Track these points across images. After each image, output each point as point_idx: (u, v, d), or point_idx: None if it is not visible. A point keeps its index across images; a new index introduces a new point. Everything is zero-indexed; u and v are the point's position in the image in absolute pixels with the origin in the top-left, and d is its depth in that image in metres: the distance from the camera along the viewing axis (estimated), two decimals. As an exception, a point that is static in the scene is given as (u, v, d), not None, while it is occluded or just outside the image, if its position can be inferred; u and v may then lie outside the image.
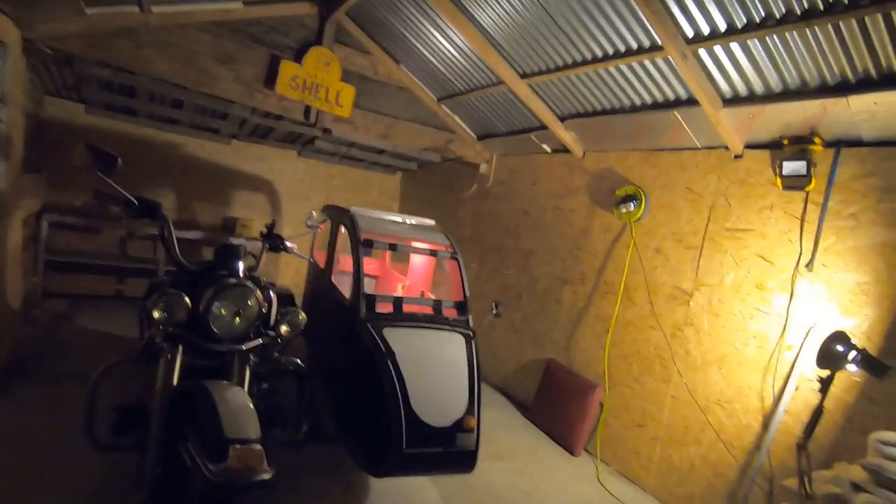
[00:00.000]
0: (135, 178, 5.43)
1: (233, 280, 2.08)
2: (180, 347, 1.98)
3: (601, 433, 3.81)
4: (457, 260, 3.19)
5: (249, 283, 2.12)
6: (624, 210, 3.72)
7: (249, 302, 2.09)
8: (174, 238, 2.18)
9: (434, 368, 2.58)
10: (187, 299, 1.93)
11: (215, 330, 2.01)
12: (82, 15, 3.36)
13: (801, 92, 2.66)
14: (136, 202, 2.06)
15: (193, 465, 1.66)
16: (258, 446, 1.70)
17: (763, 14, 2.43)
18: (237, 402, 1.84)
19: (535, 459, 3.66)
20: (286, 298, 3.71)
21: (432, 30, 4.10)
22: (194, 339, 1.98)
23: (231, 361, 2.13)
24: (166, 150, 5.67)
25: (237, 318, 2.06)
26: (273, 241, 2.66)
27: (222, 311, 2.02)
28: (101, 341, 4.16)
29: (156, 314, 1.87)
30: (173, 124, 5.52)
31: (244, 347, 2.09)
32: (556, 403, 4.07)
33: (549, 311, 4.51)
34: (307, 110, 4.58)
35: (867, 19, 2.13)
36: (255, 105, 4.40)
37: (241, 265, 2.25)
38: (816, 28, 2.29)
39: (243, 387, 2.09)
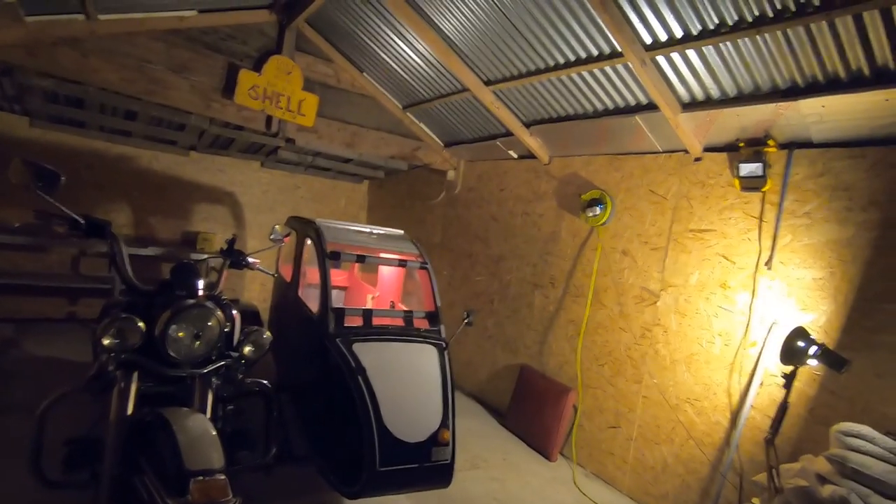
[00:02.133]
0: (86, 193, 5.21)
1: (191, 300, 1.97)
2: (135, 374, 1.86)
3: (576, 436, 3.83)
4: (427, 270, 3.15)
5: (209, 303, 2.01)
6: (590, 214, 3.76)
7: (210, 323, 1.99)
8: (125, 258, 2.06)
9: (406, 382, 2.52)
10: (141, 323, 1.81)
11: (173, 354, 1.89)
12: (20, 22, 3.17)
13: (755, 96, 2.75)
14: (82, 221, 1.93)
15: (151, 501, 1.56)
16: (222, 476, 1.61)
17: (716, 21, 2.50)
18: (198, 430, 1.73)
19: (512, 466, 3.64)
20: (251, 316, 3.59)
21: (394, 37, 4.06)
22: (150, 366, 1.87)
23: (192, 386, 2.02)
24: (119, 163, 5.42)
25: (197, 341, 1.95)
26: (234, 256, 2.55)
27: (180, 333, 1.91)
28: (51, 369, 3.91)
29: (106, 341, 1.75)
30: (126, 136, 5.28)
31: (205, 371, 1.99)
32: (531, 408, 4.06)
33: (520, 315, 4.51)
34: (269, 120, 4.47)
35: (813, 26, 2.22)
36: (213, 115, 4.26)
37: (200, 283, 2.14)
38: (766, 35, 2.37)
39: (205, 412, 1.99)
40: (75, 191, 5.13)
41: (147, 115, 4.47)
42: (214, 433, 1.76)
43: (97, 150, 5.29)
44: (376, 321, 2.83)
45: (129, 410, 1.82)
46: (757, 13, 2.35)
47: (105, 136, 5.23)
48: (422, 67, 4.28)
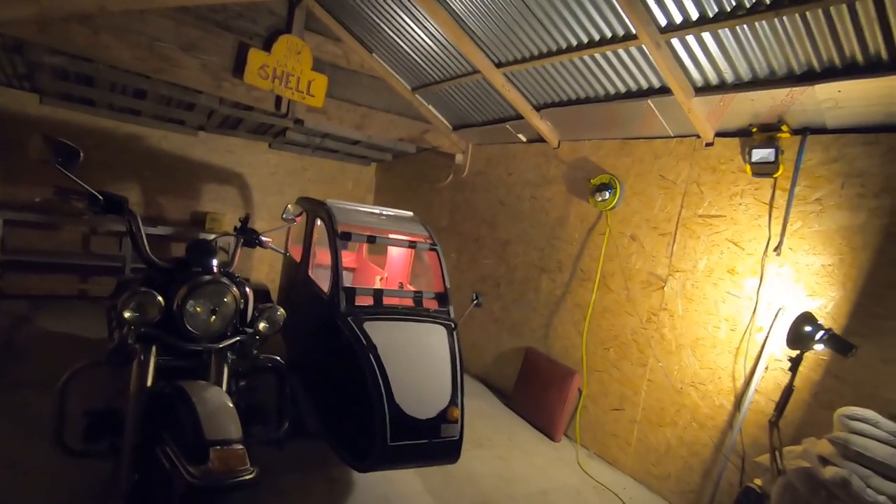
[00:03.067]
0: (95, 172, 5.24)
1: (207, 277, 2.01)
2: (154, 348, 1.91)
3: (580, 418, 3.88)
4: (436, 251, 3.17)
5: (225, 280, 2.05)
6: (599, 199, 3.76)
7: (225, 299, 2.03)
8: (143, 234, 2.09)
9: (416, 360, 2.57)
10: (160, 298, 1.85)
11: (191, 329, 1.94)
12: (33, -1, 3.16)
13: (770, 80, 2.73)
14: (100, 197, 1.96)
15: (173, 469, 1.61)
16: (240, 446, 1.67)
17: (734, 3, 2.47)
18: (216, 401, 1.79)
19: (516, 446, 3.71)
20: (262, 294, 3.63)
21: (405, 17, 4.02)
22: (169, 339, 1.91)
23: (208, 360, 2.07)
24: (129, 142, 5.44)
25: (213, 316, 2.00)
26: (248, 235, 2.58)
27: (197, 308, 1.95)
28: (64, 344, 3.98)
29: (127, 314, 1.79)
30: (136, 115, 5.29)
31: (221, 346, 2.03)
32: (536, 390, 4.12)
33: (527, 299, 4.54)
34: (278, 100, 4.46)
35: (832, 9, 2.19)
36: (223, 95, 4.25)
37: (214, 261, 2.17)
38: (785, 17, 2.34)
39: (221, 386, 2.04)
40: (85, 169, 5.06)
41: (156, 94, 4.47)
42: (231, 405, 1.81)
43: (107, 129, 5.30)
44: (386, 301, 2.87)
45: (149, 382, 1.87)
46: (776, -5, 2.32)
47: (115, 114, 5.24)
48: (432, 48, 4.24)
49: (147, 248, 2.09)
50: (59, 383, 1.86)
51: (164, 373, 2.01)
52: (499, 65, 3.96)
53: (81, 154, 1.92)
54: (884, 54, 2.26)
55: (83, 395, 2.05)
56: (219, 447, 1.62)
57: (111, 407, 1.99)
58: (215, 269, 2.14)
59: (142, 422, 1.83)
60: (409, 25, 4.10)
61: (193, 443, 1.63)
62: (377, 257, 4.68)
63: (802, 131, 2.79)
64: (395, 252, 4.17)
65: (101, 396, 2.11)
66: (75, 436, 1.92)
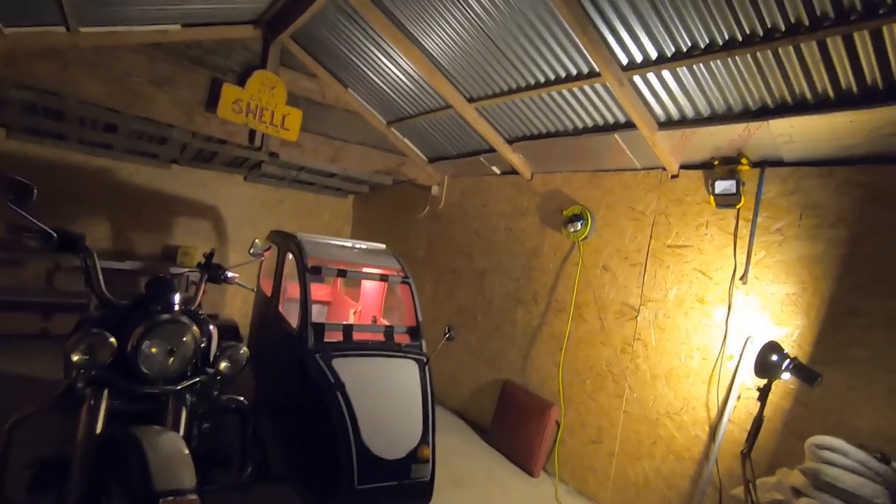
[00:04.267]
0: (64, 206, 5.12)
1: (166, 315, 1.95)
2: (105, 392, 1.82)
3: (559, 452, 3.81)
4: (408, 284, 3.15)
5: (184, 318, 1.99)
6: (571, 229, 3.81)
7: (185, 338, 1.96)
8: (98, 272, 2.02)
9: (386, 398, 2.50)
10: (112, 339, 1.78)
11: (145, 370, 1.86)
12: (0, 34, 3.14)
13: (728, 116, 2.84)
14: (54, 235, 1.90)
15: (118, 523, 1.52)
16: (193, 496, 1.58)
17: (689, 43, 2.59)
18: (169, 448, 1.70)
19: (494, 483, 3.61)
20: (230, 331, 3.55)
21: (379, 54, 4.11)
22: (121, 383, 1.83)
23: (165, 403, 1.98)
24: (99, 175, 5.35)
25: (171, 357, 1.93)
26: (212, 271, 2.52)
27: (153, 349, 1.88)
28: (21, 386, 3.79)
29: (75, 357, 1.71)
30: (106, 149, 5.22)
31: (178, 388, 1.95)
32: (514, 424, 4.05)
33: (504, 331, 4.52)
34: (252, 134, 4.47)
35: (780, 50, 2.31)
36: (196, 129, 4.23)
37: (176, 298, 2.11)
38: (737, 58, 2.46)
39: (178, 430, 1.95)
40: (53, 204, 5.04)
41: (128, 129, 4.43)
42: (186, 452, 1.72)
43: (76, 163, 5.21)
44: (357, 336, 2.81)
45: (99, 429, 1.78)
46: (727, 37, 2.44)
47: (84, 148, 5.16)
48: (406, 84, 4.33)
49: (103, 286, 2.03)
50: (2, 430, 1.76)
51: (118, 417, 1.92)
52: (471, 100, 4.05)
53: (35, 191, 1.86)
54: (831, 93, 2.37)
55: (33, 441, 1.94)
56: (170, 498, 1.53)
57: (60, 455, 1.88)
58: (176, 307, 2.08)
59: (90, 471, 1.73)
60: (383, 62, 4.19)
61: (142, 493, 1.54)
62: (352, 290, 4.62)
63: (761, 164, 2.89)
64: (368, 285, 4.13)
65: (52, 443, 2.00)
66: (20, 487, 1.81)
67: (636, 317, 3.46)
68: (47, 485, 1.85)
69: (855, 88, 2.28)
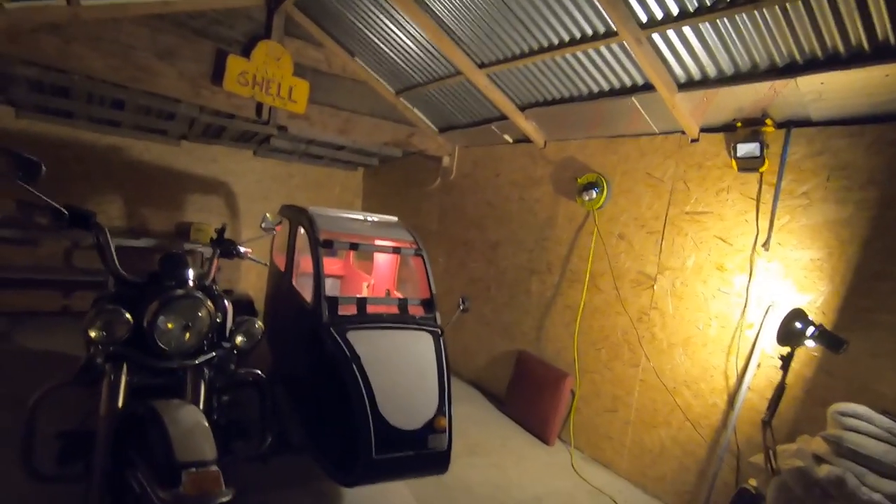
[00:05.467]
0: (76, 185, 5.14)
1: (180, 291, 1.94)
2: (125, 367, 1.84)
3: (574, 421, 3.83)
4: (421, 256, 3.11)
5: (199, 294, 1.98)
6: (586, 198, 3.72)
7: (200, 313, 1.96)
8: (112, 248, 2.01)
9: (401, 370, 2.51)
10: (128, 315, 1.78)
11: (162, 345, 1.87)
12: (0, 10, 3.08)
13: (753, 74, 2.70)
14: (65, 212, 1.89)
15: (143, 494, 1.54)
16: (214, 467, 1.60)
17: (713, -3, 2.44)
18: (189, 421, 1.72)
19: (510, 452, 3.65)
20: (245, 305, 3.57)
21: (386, 20, 3.98)
22: (139, 357, 1.84)
23: (184, 378, 2.00)
24: (109, 154, 5.34)
25: (187, 332, 1.93)
26: (224, 246, 2.51)
27: (169, 324, 1.88)
28: (44, 362, 3.89)
29: (93, 333, 1.72)
30: (115, 126, 5.20)
31: (196, 362, 1.96)
32: (529, 394, 4.07)
33: (517, 301, 4.50)
34: (259, 107, 4.39)
35: (813, 1, 2.16)
36: (203, 103, 4.18)
37: (189, 274, 2.10)
38: (765, 10, 2.31)
39: (198, 403, 1.97)
40: (65, 183, 5.06)
41: (135, 104, 4.40)
42: (206, 424, 1.74)
43: (86, 142, 5.20)
44: (371, 309, 2.80)
45: (120, 403, 1.80)
46: (755, -12, 2.29)
47: (94, 126, 5.15)
48: (414, 51, 4.20)
49: (116, 262, 2.02)
50: (28, 404, 1.79)
51: (139, 391, 1.94)
52: (481, 65, 3.91)
53: (44, 167, 1.84)
54: (865, 45, 2.23)
55: (59, 414, 1.98)
56: (192, 469, 1.55)
57: (84, 428, 1.91)
58: (190, 282, 2.08)
59: (113, 444, 1.76)
60: (390, 28, 4.06)
61: (165, 466, 1.56)
62: (364, 263, 4.61)
63: (787, 124, 2.76)
64: (381, 258, 4.11)
65: (76, 416, 2.04)
66: (48, 459, 1.85)
67: (653, 285, 3.40)
68: (74, 457, 1.89)
69: (893, 40, 2.14)
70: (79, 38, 3.52)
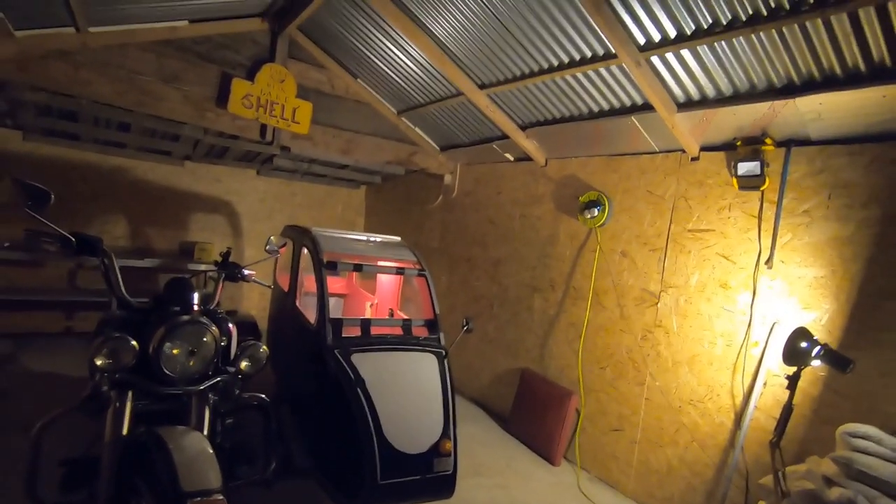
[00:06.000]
0: (82, 206, 5.19)
1: (185, 317, 1.95)
2: (130, 393, 1.83)
3: (579, 440, 3.80)
4: (425, 277, 3.12)
5: (204, 319, 1.99)
6: (588, 216, 3.74)
7: (205, 339, 1.96)
8: (118, 274, 2.03)
9: (406, 392, 2.50)
10: (134, 342, 1.79)
11: (168, 372, 1.87)
12: (10, 37, 3.15)
13: (751, 95, 2.73)
14: (72, 239, 1.91)
15: (148, 524, 1.53)
16: (220, 496, 1.59)
17: (710, 21, 2.48)
18: (195, 448, 1.71)
19: (515, 472, 3.61)
20: (248, 327, 3.57)
21: (387, 43, 4.04)
22: (145, 384, 1.84)
23: (189, 403, 2.00)
24: (115, 175, 5.40)
25: (192, 358, 1.93)
26: (229, 269, 2.52)
27: (174, 351, 1.88)
28: (48, 384, 3.88)
29: (99, 362, 1.72)
30: (121, 148, 5.26)
31: (201, 388, 1.96)
32: (534, 413, 4.03)
33: (521, 319, 4.49)
34: (263, 128, 4.45)
35: (808, 24, 2.20)
36: (207, 125, 4.23)
37: (195, 298, 2.11)
38: (762, 33, 2.35)
39: (202, 429, 1.96)
40: (71, 203, 5.11)
41: (140, 127, 4.45)
42: (211, 451, 1.73)
43: (92, 163, 5.26)
44: (375, 331, 2.80)
45: (125, 430, 1.79)
46: (751, 12, 2.33)
47: (99, 147, 5.21)
48: (415, 72, 4.26)
49: (122, 288, 2.04)
50: (32, 432, 1.79)
51: (143, 417, 1.94)
52: (482, 86, 3.97)
53: (52, 196, 1.87)
54: (862, 67, 2.26)
55: (62, 441, 1.98)
56: (197, 498, 1.54)
57: (89, 455, 1.91)
58: (195, 307, 2.08)
59: (117, 472, 1.75)
60: (391, 50, 4.12)
61: (170, 494, 1.55)
62: (368, 283, 4.62)
63: (787, 143, 2.78)
64: (384, 278, 4.12)
65: (81, 442, 2.04)
66: (52, 486, 1.84)
67: (657, 303, 3.39)
68: (78, 484, 1.88)
69: (889, 62, 2.17)
70: (87, 65, 3.59)
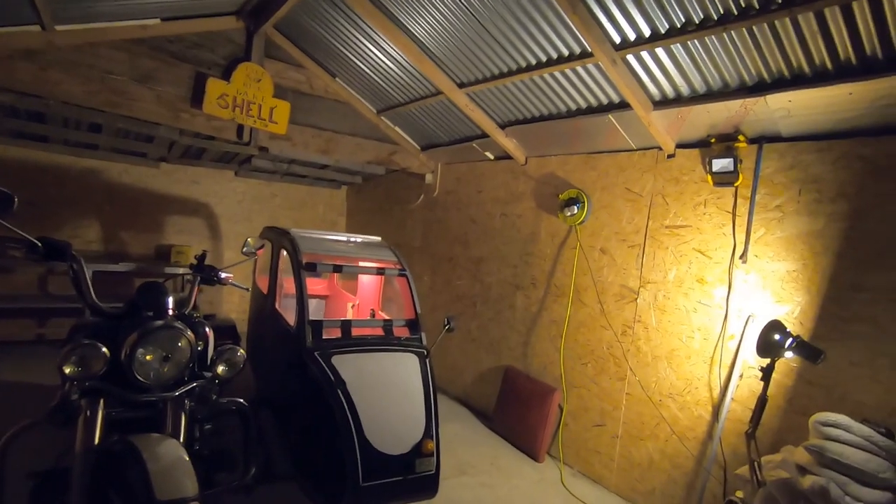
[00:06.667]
0: (53, 210, 5.05)
1: (159, 322, 1.91)
2: (101, 402, 1.79)
3: (562, 436, 3.83)
4: (406, 277, 3.11)
5: (178, 324, 1.95)
6: (568, 213, 3.77)
7: (179, 344, 1.93)
8: (88, 280, 1.97)
9: (388, 393, 2.48)
10: (104, 349, 1.74)
11: (141, 378, 1.83)
12: (-28, 37, 3.04)
13: (724, 93, 2.78)
14: (39, 244, 1.85)
15: (121, 536, 1.50)
16: (196, 504, 1.56)
17: (683, 20, 2.52)
18: (170, 456, 1.68)
19: (499, 470, 3.62)
20: (227, 331, 3.51)
21: (366, 42, 4.01)
22: (117, 392, 1.80)
23: (164, 410, 1.96)
24: (87, 177, 5.26)
25: (166, 364, 1.89)
26: (205, 272, 2.48)
27: (148, 356, 1.84)
28: (19, 394, 3.76)
29: (67, 370, 1.67)
30: (93, 149, 5.13)
31: (176, 394, 1.92)
32: (517, 410, 4.05)
33: (503, 317, 4.50)
34: (240, 129, 4.38)
35: (777, 23, 2.25)
36: (182, 126, 4.15)
37: (169, 302, 2.07)
38: (733, 32, 2.39)
39: (179, 436, 1.92)
40: (42, 207, 4.97)
41: (113, 128, 4.35)
42: (187, 459, 1.70)
43: (63, 165, 5.12)
44: (355, 332, 2.78)
45: (97, 440, 1.75)
46: (722, 11, 2.37)
47: (70, 149, 5.07)
48: (395, 71, 4.24)
49: (92, 294, 1.98)
50: (-1, 444, 1.73)
51: (116, 425, 1.89)
52: (461, 85, 3.96)
53: (16, 200, 1.80)
54: (829, 65, 2.32)
55: (32, 451, 1.92)
56: (172, 507, 1.51)
57: (60, 466, 1.85)
58: (169, 312, 2.04)
59: (89, 483, 1.71)
60: (370, 50, 4.09)
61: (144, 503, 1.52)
62: (349, 284, 4.59)
63: (759, 140, 2.84)
64: (365, 278, 4.09)
65: (51, 453, 1.98)
66: (20, 500, 1.79)
67: (636, 299, 3.44)
68: (49, 498, 1.82)
69: (854, 59, 2.23)
70: (55, 64, 3.49)
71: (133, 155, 5.33)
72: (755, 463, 2.30)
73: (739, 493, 2.43)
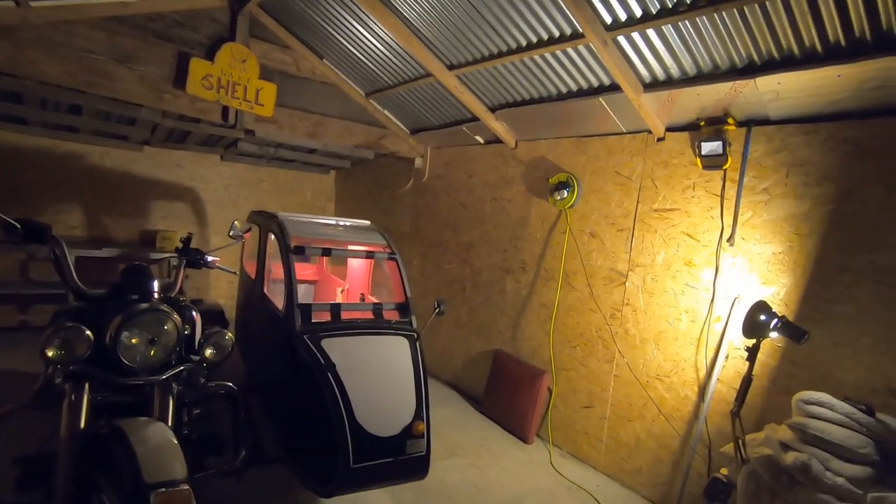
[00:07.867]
0: (33, 195, 4.93)
1: (144, 305, 1.88)
2: (86, 385, 1.76)
3: (551, 418, 3.87)
4: (395, 260, 3.09)
5: (164, 307, 1.92)
6: (558, 197, 3.76)
7: (166, 327, 1.90)
8: (70, 262, 1.93)
9: (378, 376, 2.48)
10: (88, 332, 1.71)
11: (126, 362, 1.80)
12: (-58, 12, 2.92)
13: (714, 75, 2.78)
14: (18, 226, 1.80)
15: (109, 519, 1.49)
16: (185, 486, 1.55)
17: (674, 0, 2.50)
18: (157, 439, 1.66)
19: (489, 452, 3.66)
20: (215, 316, 3.48)
21: (354, 22, 3.93)
22: (102, 375, 1.77)
23: (151, 394, 1.94)
24: (68, 160, 5.13)
25: (152, 347, 1.86)
26: (191, 256, 2.44)
27: (133, 340, 1.81)
28: (1, 381, 3.70)
29: (50, 353, 1.64)
30: (73, 132, 4.99)
31: (163, 377, 1.90)
32: (507, 393, 4.09)
33: (493, 302, 4.52)
34: (225, 111, 4.29)
35: (768, 4, 2.24)
36: (165, 108, 4.05)
37: (154, 286, 2.04)
38: (724, 13, 2.38)
39: (166, 420, 1.90)
40: (21, 192, 4.85)
41: (93, 109, 4.23)
42: (175, 442, 1.68)
43: (43, 149, 4.99)
44: (345, 315, 2.77)
45: (82, 424, 1.72)
46: (713, -9, 2.35)
47: (50, 132, 4.93)
48: (383, 53, 4.17)
49: (75, 276, 1.94)
50: (-19, 432, 1.70)
51: (103, 409, 1.87)
52: (451, 67, 3.91)
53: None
54: (818, 47, 2.32)
55: (17, 436, 1.89)
56: (161, 490, 1.50)
57: (45, 451, 1.83)
58: (155, 295, 2.01)
59: (75, 467, 1.69)
60: (358, 30, 4.02)
61: (132, 487, 1.51)
62: (338, 268, 4.56)
63: (747, 123, 2.85)
64: (355, 263, 4.07)
65: (37, 438, 1.95)
66: (6, 486, 1.77)
67: (624, 282, 3.46)
68: (34, 483, 1.80)
69: (843, 41, 2.23)
70: (31, 42, 3.37)
71: (115, 138, 5.20)
72: (739, 441, 2.34)
73: (724, 471, 2.48)
